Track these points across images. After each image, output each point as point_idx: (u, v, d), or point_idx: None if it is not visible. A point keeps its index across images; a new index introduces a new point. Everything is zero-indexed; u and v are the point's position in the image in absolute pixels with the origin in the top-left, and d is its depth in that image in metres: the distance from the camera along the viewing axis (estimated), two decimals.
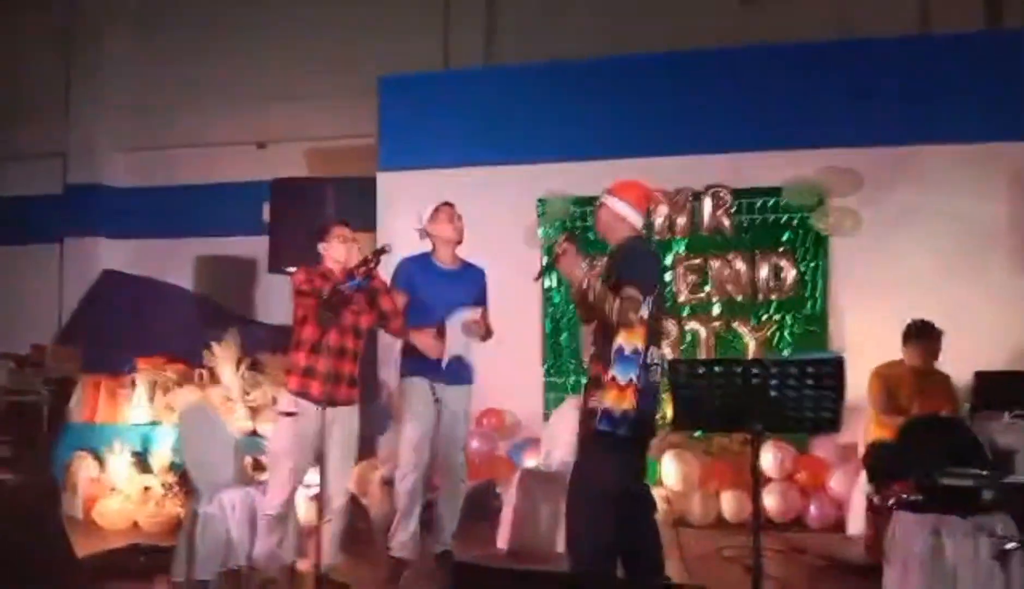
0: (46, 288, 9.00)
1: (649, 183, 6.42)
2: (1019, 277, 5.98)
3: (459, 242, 4.62)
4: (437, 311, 4.47)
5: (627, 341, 3.46)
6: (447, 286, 4.51)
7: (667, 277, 6.40)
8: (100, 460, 5.96)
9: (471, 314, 4.47)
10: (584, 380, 3.96)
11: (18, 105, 9.30)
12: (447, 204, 4.62)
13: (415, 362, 4.52)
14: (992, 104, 6.03)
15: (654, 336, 3.63)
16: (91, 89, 9.26)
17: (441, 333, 4.46)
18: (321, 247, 4.30)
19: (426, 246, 4.67)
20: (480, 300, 4.61)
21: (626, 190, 3.77)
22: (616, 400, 3.45)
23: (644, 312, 3.45)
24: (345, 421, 4.17)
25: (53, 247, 9.14)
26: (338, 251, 4.26)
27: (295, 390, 4.11)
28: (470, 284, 4.61)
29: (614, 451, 3.51)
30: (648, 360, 3.54)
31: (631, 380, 3.44)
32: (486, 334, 4.54)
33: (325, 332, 4.08)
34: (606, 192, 3.79)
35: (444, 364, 4.45)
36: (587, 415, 3.60)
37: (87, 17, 9.33)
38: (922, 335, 5.00)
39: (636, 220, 3.75)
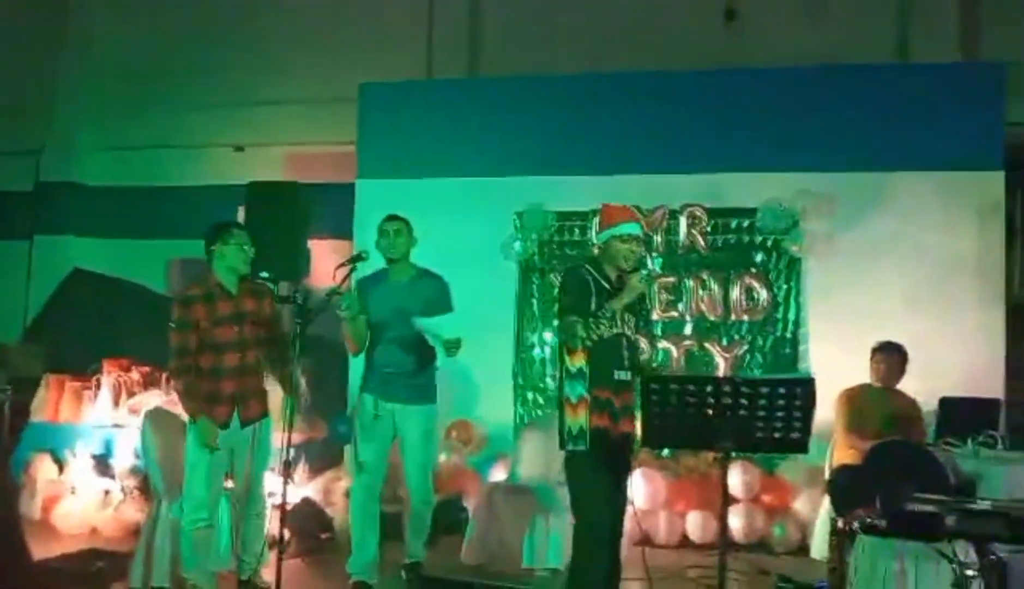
0: (14, 285, 8.86)
1: (625, 200, 6.58)
2: (986, 306, 6.06)
3: (395, 260, 4.45)
4: (391, 325, 4.38)
5: (571, 363, 3.66)
6: (397, 299, 4.37)
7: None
8: (60, 461, 5.86)
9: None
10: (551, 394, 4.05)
11: None
12: (388, 218, 4.50)
13: (365, 377, 4.49)
14: (966, 133, 6.10)
15: (631, 352, 3.75)
16: (69, 87, 9.17)
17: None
18: (215, 250, 4.07)
19: None
20: (436, 309, 4.33)
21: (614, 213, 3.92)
22: (571, 418, 3.62)
23: (583, 334, 3.62)
24: (260, 434, 4.14)
25: (23, 244, 9.01)
26: (236, 258, 4.09)
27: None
28: (424, 293, 4.41)
29: (585, 469, 3.61)
30: (617, 377, 3.64)
31: (582, 397, 3.60)
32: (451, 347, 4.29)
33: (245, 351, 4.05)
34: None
35: (392, 381, 4.38)
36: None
37: (69, 16, 9.25)
38: (887, 352, 5.06)
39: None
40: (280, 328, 4.31)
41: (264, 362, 4.22)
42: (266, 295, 4.26)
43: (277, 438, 4.16)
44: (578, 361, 3.65)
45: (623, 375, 3.71)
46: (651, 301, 6.38)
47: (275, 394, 4.34)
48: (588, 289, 3.73)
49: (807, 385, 3.08)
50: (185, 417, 4.09)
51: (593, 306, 3.68)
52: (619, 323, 3.73)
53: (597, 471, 3.64)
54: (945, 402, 5.06)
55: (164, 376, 6.18)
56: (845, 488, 4.38)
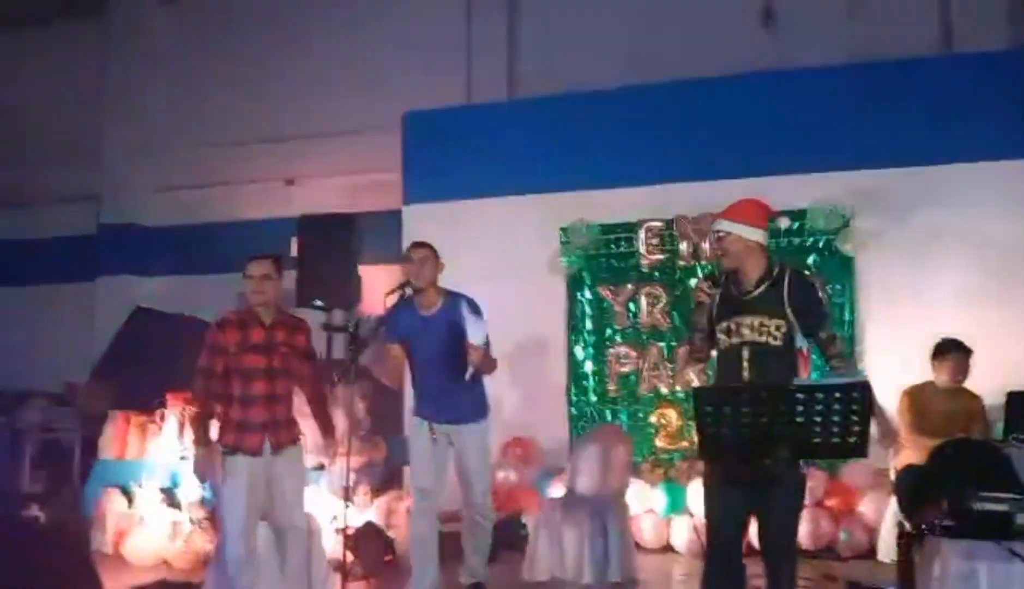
0: (81, 326, 9.16)
1: (671, 209, 6.58)
2: None
3: (430, 282, 4.39)
4: (424, 361, 4.41)
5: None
6: (425, 334, 4.38)
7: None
8: (129, 495, 6.02)
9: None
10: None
11: (52, 149, 9.55)
12: (413, 246, 4.45)
13: (417, 402, 4.52)
14: (1016, 121, 5.96)
15: None
16: (122, 131, 9.49)
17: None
18: (245, 285, 4.10)
19: None
20: (463, 333, 4.19)
21: (745, 212, 3.56)
22: None
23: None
24: (292, 460, 4.13)
25: (88, 286, 9.32)
26: (247, 289, 4.08)
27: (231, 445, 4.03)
28: (448, 323, 4.32)
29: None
30: None
31: None
32: (484, 366, 4.26)
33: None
34: (722, 219, 3.56)
35: (442, 402, 4.39)
36: None
37: (118, 60, 9.58)
38: (951, 352, 4.91)
39: (765, 240, 3.54)
40: (314, 364, 4.29)
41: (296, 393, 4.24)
42: (301, 329, 4.24)
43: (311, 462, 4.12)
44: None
45: None
46: None
47: (311, 423, 4.36)
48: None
49: (863, 388, 3.01)
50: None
51: None
52: None
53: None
54: (1012, 397, 4.92)
55: None
56: (911, 489, 4.28)
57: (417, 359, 4.45)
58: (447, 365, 4.29)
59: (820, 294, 3.63)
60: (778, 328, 3.42)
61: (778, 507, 3.30)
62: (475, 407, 4.49)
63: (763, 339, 3.42)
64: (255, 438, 4.00)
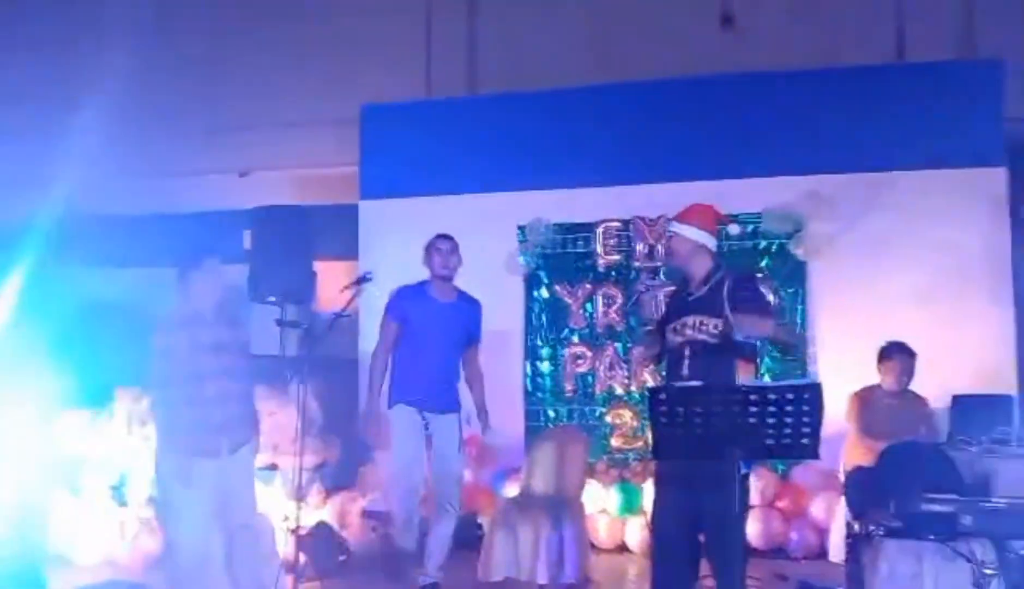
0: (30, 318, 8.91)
1: (628, 210, 6.62)
2: (995, 302, 6.03)
3: (449, 278, 4.62)
4: (428, 346, 4.48)
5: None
6: (439, 320, 4.54)
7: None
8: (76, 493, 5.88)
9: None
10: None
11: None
12: (441, 237, 4.65)
13: (402, 389, 4.51)
14: (968, 130, 6.11)
15: None
16: (73, 117, 9.25)
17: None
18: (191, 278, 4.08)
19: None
20: (473, 336, 4.67)
21: (694, 215, 3.78)
22: None
23: None
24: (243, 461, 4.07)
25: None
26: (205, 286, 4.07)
27: None
28: (463, 319, 4.63)
29: None
30: None
31: None
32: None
33: None
34: (672, 221, 3.84)
35: (433, 391, 4.52)
36: None
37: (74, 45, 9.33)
38: (896, 355, 5.02)
39: (712, 243, 3.76)
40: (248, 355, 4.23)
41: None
42: (242, 323, 4.24)
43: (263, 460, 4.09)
44: None
45: None
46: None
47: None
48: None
49: (814, 391, 3.06)
50: None
51: None
52: None
53: None
54: (957, 400, 5.05)
55: None
56: (860, 490, 4.37)
57: (416, 342, 4.51)
58: (448, 355, 4.52)
59: (763, 292, 3.78)
60: (716, 327, 3.59)
61: (722, 507, 3.34)
62: (454, 397, 4.63)
63: (701, 337, 3.60)
64: (211, 439, 3.93)
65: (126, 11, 9.36)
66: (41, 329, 8.67)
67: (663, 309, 3.89)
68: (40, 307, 8.84)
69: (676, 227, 3.77)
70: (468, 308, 4.68)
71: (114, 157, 9.11)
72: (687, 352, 3.63)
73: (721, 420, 3.07)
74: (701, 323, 3.62)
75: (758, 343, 3.75)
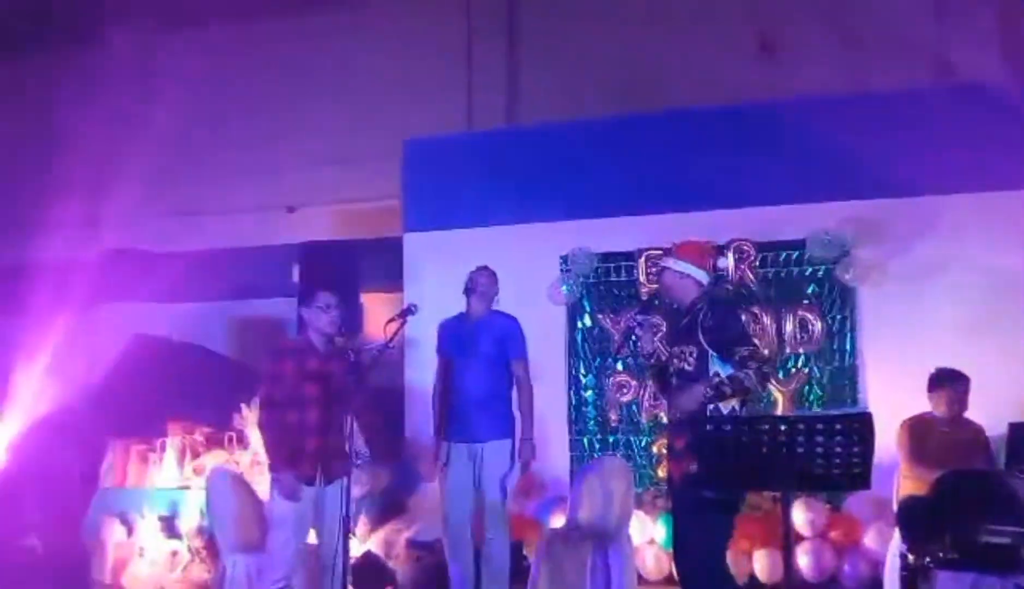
0: (81, 353, 9.13)
1: (670, 238, 6.58)
2: None
3: (488, 304, 4.71)
4: (464, 367, 4.55)
5: None
6: (471, 337, 4.62)
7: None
8: (128, 524, 5.98)
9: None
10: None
11: (51, 175, 9.56)
12: (480, 268, 4.76)
13: (449, 423, 4.56)
14: (1012, 152, 5.99)
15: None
16: (123, 157, 9.51)
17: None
18: (304, 313, 4.27)
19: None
20: (512, 351, 4.67)
21: (681, 250, 4.01)
22: None
23: None
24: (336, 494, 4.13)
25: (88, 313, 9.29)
26: (321, 321, 4.20)
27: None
28: (496, 332, 4.66)
29: None
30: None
31: None
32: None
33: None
34: (666, 257, 4.07)
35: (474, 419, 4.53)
36: None
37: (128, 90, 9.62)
38: (947, 382, 4.90)
39: (701, 276, 3.92)
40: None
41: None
42: (348, 357, 4.32)
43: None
44: None
45: None
46: None
47: None
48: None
49: (864, 420, 3.03)
50: (253, 474, 4.16)
51: None
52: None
53: None
54: (1015, 427, 4.91)
55: (227, 436, 6.31)
56: (915, 521, 4.27)
57: (456, 368, 4.60)
58: (484, 372, 4.55)
59: (735, 316, 3.98)
60: (691, 354, 3.77)
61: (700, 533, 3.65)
62: (499, 422, 4.64)
63: (681, 364, 3.81)
64: (307, 466, 4.10)
65: (178, 61, 9.64)
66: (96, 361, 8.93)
67: (656, 343, 4.10)
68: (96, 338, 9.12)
69: (664, 260, 4.04)
70: (502, 322, 4.71)
71: (166, 196, 9.36)
72: (674, 380, 3.84)
73: (769, 450, 3.05)
74: (681, 351, 3.82)
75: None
